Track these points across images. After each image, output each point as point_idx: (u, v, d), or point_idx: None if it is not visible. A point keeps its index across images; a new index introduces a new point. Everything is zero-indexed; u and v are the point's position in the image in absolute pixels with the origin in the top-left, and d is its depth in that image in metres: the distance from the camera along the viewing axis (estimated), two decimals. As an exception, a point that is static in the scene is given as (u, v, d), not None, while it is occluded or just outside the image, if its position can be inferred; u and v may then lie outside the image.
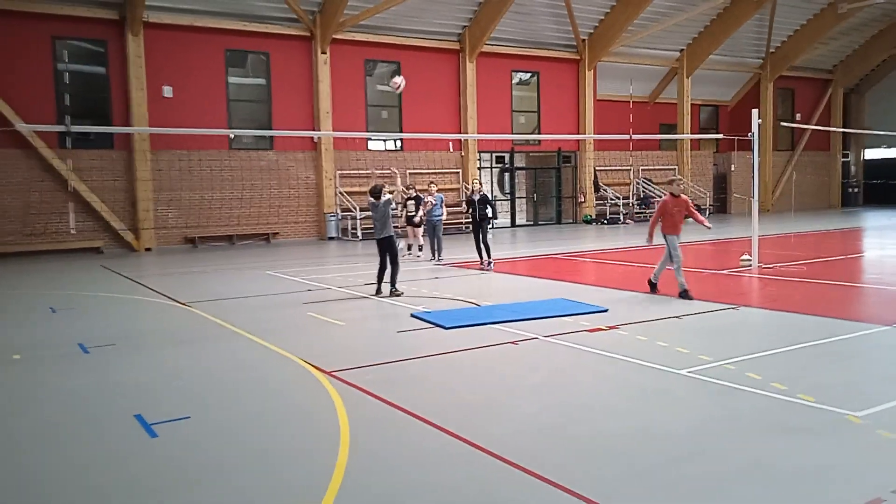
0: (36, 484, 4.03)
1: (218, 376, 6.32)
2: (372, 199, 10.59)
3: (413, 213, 15.45)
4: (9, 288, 12.52)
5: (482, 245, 13.27)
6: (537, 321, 8.06)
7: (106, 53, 19.06)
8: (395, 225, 15.92)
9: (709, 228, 10.50)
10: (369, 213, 11.19)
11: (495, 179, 26.81)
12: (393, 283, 10.40)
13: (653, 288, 9.94)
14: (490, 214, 13.59)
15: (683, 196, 9.95)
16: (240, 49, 20.73)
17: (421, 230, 15.62)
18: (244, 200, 20.71)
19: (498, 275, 12.90)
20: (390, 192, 10.95)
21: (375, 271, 10.59)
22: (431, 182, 16.25)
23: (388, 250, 10.41)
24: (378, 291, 10.39)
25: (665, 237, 9.76)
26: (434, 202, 15.08)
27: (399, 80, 12.28)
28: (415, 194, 15.71)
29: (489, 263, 13.23)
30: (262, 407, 5.38)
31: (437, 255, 14.66)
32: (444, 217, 15.56)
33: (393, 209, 10.85)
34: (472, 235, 13.70)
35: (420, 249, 15.61)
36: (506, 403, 5.30)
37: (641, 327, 7.67)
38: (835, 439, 4.38)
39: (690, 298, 9.26)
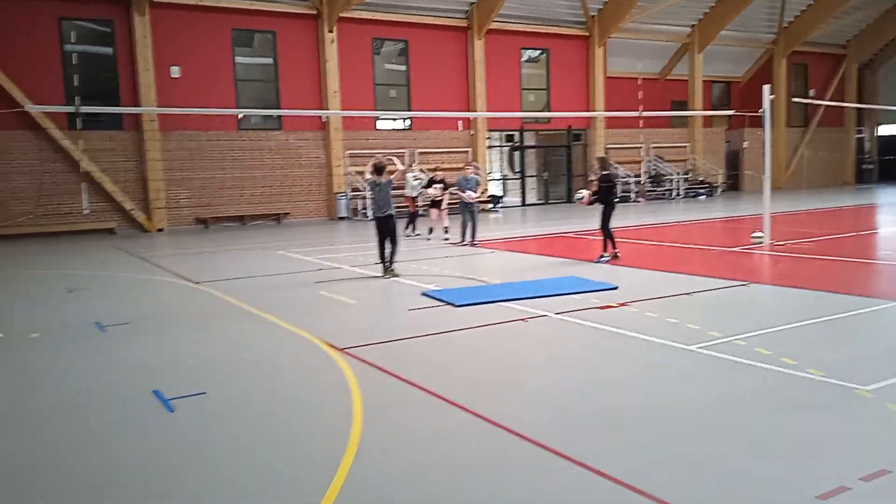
0: (59, 458, 4.12)
1: (232, 353, 6.40)
2: (373, 177, 10.29)
3: (440, 197, 14.89)
4: (25, 269, 12.65)
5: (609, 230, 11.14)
6: (548, 299, 8.08)
7: (113, 34, 19.06)
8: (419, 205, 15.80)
9: None
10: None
11: (505, 158, 26.71)
12: (392, 261, 10.19)
13: None
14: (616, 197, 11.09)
15: None
16: (246, 28, 20.66)
17: (446, 212, 15.02)
18: (254, 180, 20.77)
19: (508, 253, 12.92)
20: (391, 172, 10.64)
21: (378, 252, 10.31)
22: (470, 162, 15.55)
23: (388, 230, 10.14)
24: (386, 271, 10.19)
25: None
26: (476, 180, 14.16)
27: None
28: (440, 177, 15.18)
29: (616, 254, 11.15)
30: (276, 382, 5.46)
31: (472, 238, 13.73)
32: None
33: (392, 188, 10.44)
34: (599, 220, 11.17)
35: (446, 231, 14.88)
36: (517, 379, 5.35)
37: (651, 304, 7.68)
38: (844, 413, 4.41)
39: None
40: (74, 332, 7.37)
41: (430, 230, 15.22)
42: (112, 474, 3.89)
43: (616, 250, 11.19)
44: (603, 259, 11.01)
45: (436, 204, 15.04)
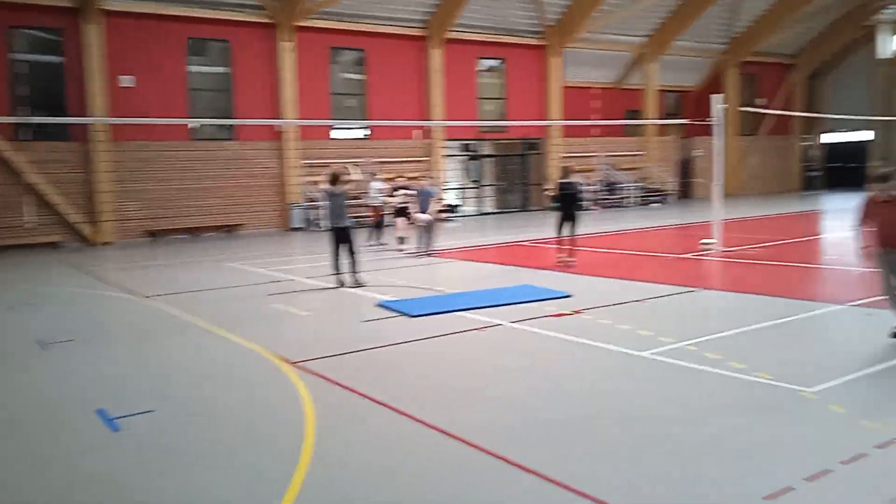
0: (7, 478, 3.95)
1: (182, 369, 6.24)
2: (330, 187, 10.20)
3: (405, 205, 14.63)
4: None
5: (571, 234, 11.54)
6: (503, 308, 8.09)
7: (62, 42, 18.55)
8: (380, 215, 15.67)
9: None
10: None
11: (462, 167, 26.79)
12: (356, 271, 10.18)
13: None
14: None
15: None
16: (201, 37, 20.33)
17: (408, 222, 14.66)
18: (206, 192, 20.37)
19: (464, 262, 12.93)
20: (346, 182, 10.51)
21: (332, 262, 10.22)
22: (426, 174, 15.42)
23: (345, 241, 10.07)
24: (342, 283, 10.10)
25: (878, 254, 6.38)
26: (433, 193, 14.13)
27: None
28: (403, 184, 15.08)
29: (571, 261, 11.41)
30: (226, 399, 5.33)
31: (428, 247, 13.62)
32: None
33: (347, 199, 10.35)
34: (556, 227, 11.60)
35: (402, 242, 14.53)
36: (473, 389, 5.33)
37: (604, 311, 7.76)
38: (789, 415, 4.50)
39: None
40: (15, 350, 7.11)
41: (400, 239, 14.78)
42: (53, 495, 3.74)
43: (573, 258, 11.37)
44: (560, 259, 11.51)
45: (401, 212, 14.84)
